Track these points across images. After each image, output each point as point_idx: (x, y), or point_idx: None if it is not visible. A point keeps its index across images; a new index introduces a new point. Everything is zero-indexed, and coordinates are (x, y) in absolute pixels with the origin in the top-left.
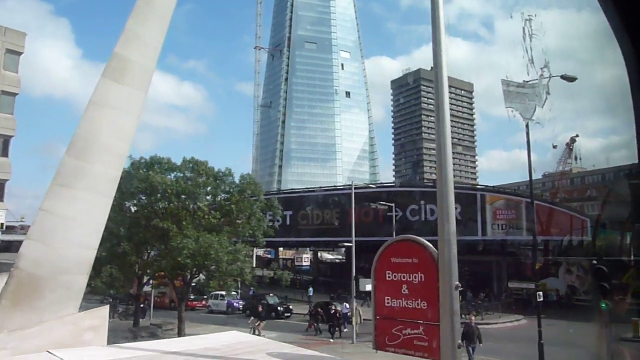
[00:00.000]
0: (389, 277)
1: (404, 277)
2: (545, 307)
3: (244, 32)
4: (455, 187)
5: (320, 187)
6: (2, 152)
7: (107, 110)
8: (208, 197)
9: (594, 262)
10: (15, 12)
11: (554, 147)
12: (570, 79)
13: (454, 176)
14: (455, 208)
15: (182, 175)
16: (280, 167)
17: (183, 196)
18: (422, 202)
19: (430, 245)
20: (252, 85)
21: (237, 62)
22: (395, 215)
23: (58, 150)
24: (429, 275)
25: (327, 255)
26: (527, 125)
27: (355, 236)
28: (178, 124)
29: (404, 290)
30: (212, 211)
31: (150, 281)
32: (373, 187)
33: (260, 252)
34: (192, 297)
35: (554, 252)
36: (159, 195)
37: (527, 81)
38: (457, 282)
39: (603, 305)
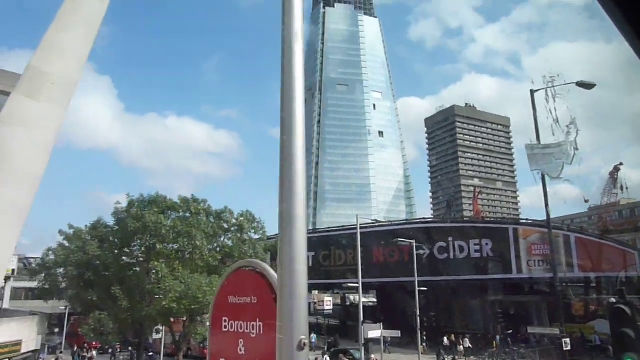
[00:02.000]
0: (225, 327)
1: (240, 327)
2: (587, 353)
3: (274, 78)
4: (484, 222)
5: (337, 227)
6: None
7: (19, 129)
8: (207, 237)
9: (612, 300)
10: None
11: (586, 201)
12: (588, 85)
13: (492, 212)
14: (486, 244)
15: (180, 214)
16: (315, 209)
17: (179, 237)
18: (450, 238)
19: (273, 275)
20: None
21: (269, 107)
22: (422, 254)
23: (100, 198)
24: (269, 324)
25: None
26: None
27: (381, 277)
28: (214, 169)
29: (240, 350)
30: (212, 252)
31: (161, 327)
32: (384, 223)
33: None
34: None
35: (608, 290)
36: (153, 235)
37: (551, 144)
38: (304, 337)
39: None
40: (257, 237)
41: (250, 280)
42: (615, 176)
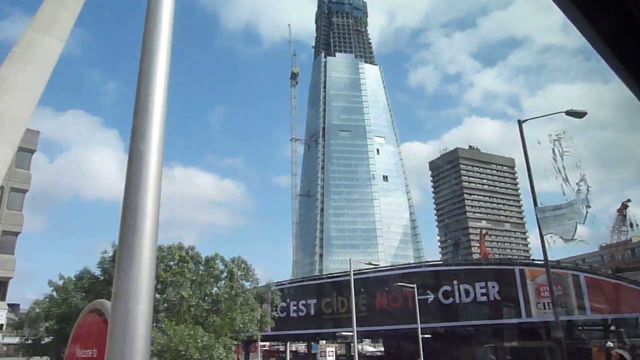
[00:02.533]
0: None
1: None
2: None
3: (276, 127)
4: (489, 263)
5: (337, 273)
6: (7, 249)
7: None
8: (194, 286)
9: (610, 344)
10: (69, 125)
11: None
12: (578, 114)
13: (502, 254)
14: (493, 287)
15: (170, 263)
16: (321, 255)
17: (165, 287)
18: (455, 282)
19: None
20: (289, 177)
21: (272, 156)
22: (426, 299)
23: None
24: None
25: (368, 348)
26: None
27: (385, 324)
28: (220, 218)
29: None
30: (199, 301)
31: None
32: (384, 268)
33: (266, 344)
34: None
35: (629, 334)
36: None
37: (561, 205)
38: None
39: None
40: (248, 284)
41: (95, 328)
42: (624, 213)
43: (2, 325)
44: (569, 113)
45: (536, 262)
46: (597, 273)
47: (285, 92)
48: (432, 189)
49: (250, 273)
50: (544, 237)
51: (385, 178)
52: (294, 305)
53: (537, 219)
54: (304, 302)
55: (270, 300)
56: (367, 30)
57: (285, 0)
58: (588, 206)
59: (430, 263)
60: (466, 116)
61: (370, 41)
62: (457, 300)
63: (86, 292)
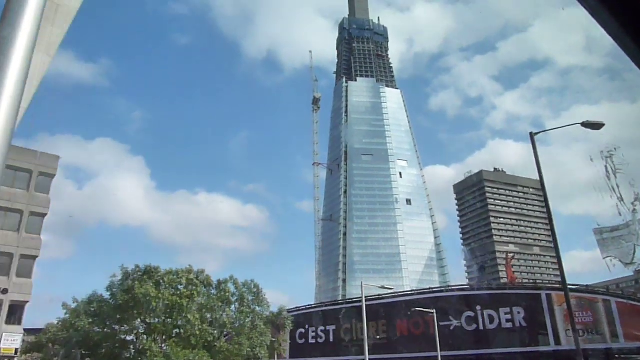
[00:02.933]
0: None
1: None
2: None
3: (298, 153)
4: (513, 287)
5: (351, 299)
6: (25, 273)
7: None
8: (203, 310)
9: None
10: (96, 153)
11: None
12: (595, 125)
13: (531, 280)
14: (518, 312)
15: (179, 287)
16: (344, 280)
17: (172, 311)
18: (479, 307)
19: None
20: (311, 202)
21: (294, 181)
22: (449, 325)
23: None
24: None
25: None
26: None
27: (406, 352)
28: (243, 243)
29: None
30: (204, 325)
31: None
32: (404, 292)
33: None
34: None
35: None
36: (147, 309)
37: (619, 226)
38: None
39: None
40: (259, 308)
41: None
42: None
43: (16, 349)
44: (585, 125)
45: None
46: (630, 298)
47: (307, 117)
48: (457, 212)
49: (261, 297)
50: (605, 259)
51: (408, 202)
52: (312, 332)
53: (597, 241)
54: (322, 328)
55: (282, 325)
56: (388, 55)
57: (305, 29)
58: None
59: (452, 287)
60: (489, 139)
61: (391, 65)
62: (481, 327)
63: (95, 316)
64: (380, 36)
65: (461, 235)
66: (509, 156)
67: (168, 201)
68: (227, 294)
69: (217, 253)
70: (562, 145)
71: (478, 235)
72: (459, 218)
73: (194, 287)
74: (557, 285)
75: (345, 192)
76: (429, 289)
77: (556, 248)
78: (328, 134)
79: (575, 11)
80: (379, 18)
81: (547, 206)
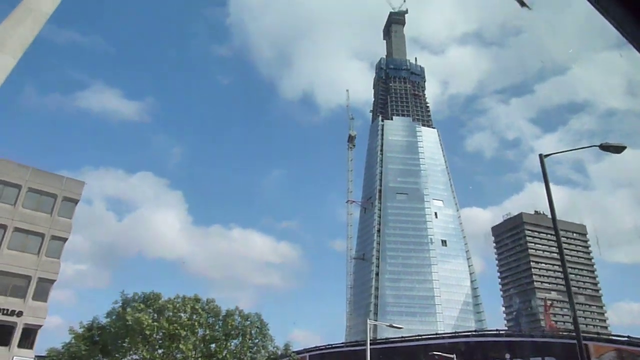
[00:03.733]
0: None
1: None
2: None
3: (332, 191)
4: (546, 335)
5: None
6: (41, 297)
7: None
8: (203, 341)
9: None
10: (137, 187)
11: None
12: (616, 148)
13: (568, 329)
14: None
15: (181, 315)
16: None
17: (169, 340)
18: (508, 355)
19: None
20: (344, 241)
21: (327, 219)
22: None
23: None
24: None
25: None
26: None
27: None
28: (275, 280)
29: None
30: (199, 358)
31: None
32: (428, 336)
33: None
34: None
35: None
36: (143, 337)
37: None
38: None
39: None
40: (268, 344)
41: None
42: None
43: None
44: (604, 147)
45: (604, 336)
46: None
47: (341, 157)
48: (496, 256)
49: (265, 331)
50: None
51: (444, 243)
52: None
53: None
54: None
55: None
56: (424, 95)
57: (341, 70)
58: None
59: (480, 332)
60: (527, 182)
61: (428, 105)
62: None
63: (93, 343)
64: (417, 76)
65: (499, 280)
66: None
67: (203, 235)
68: (231, 327)
69: (249, 289)
70: (606, 191)
71: (518, 281)
72: (497, 262)
73: (197, 317)
74: (596, 335)
75: (379, 230)
76: (455, 333)
77: (568, 289)
78: (362, 172)
79: (614, 54)
80: (416, 58)
81: (558, 238)
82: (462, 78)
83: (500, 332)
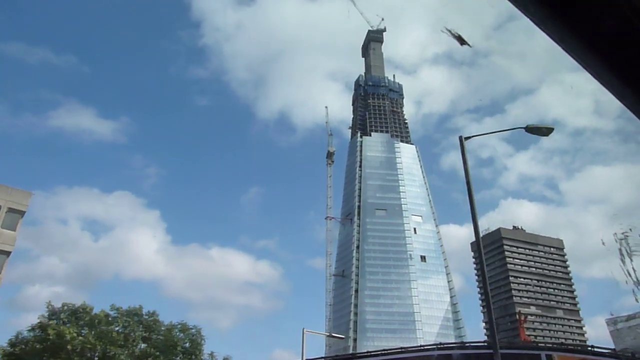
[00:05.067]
0: None
1: None
2: None
3: (310, 209)
4: (511, 347)
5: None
6: None
7: None
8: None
9: None
10: (113, 207)
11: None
12: (541, 130)
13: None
14: None
15: (116, 329)
16: (355, 340)
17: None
18: None
19: None
20: (323, 259)
21: (305, 238)
22: None
23: None
24: None
25: None
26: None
27: None
28: (255, 300)
29: None
30: None
31: None
32: (393, 350)
33: None
34: None
35: None
36: (62, 354)
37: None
38: None
39: None
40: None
41: None
42: None
43: None
44: (530, 129)
45: (569, 347)
46: None
47: (318, 176)
48: (475, 271)
49: (197, 343)
50: None
51: (423, 258)
52: None
53: (610, 333)
54: None
55: None
56: (403, 111)
57: (316, 91)
58: None
59: (442, 346)
60: (502, 199)
61: (406, 121)
62: None
63: None
64: (395, 92)
65: (479, 295)
66: (524, 215)
67: (181, 255)
68: (170, 342)
69: (229, 310)
70: (579, 207)
71: (497, 296)
72: (476, 277)
73: (131, 331)
74: (560, 346)
75: (358, 247)
76: (412, 347)
77: (485, 293)
78: (342, 189)
79: (581, 76)
80: (394, 75)
81: (475, 220)
82: (435, 97)
83: (466, 344)
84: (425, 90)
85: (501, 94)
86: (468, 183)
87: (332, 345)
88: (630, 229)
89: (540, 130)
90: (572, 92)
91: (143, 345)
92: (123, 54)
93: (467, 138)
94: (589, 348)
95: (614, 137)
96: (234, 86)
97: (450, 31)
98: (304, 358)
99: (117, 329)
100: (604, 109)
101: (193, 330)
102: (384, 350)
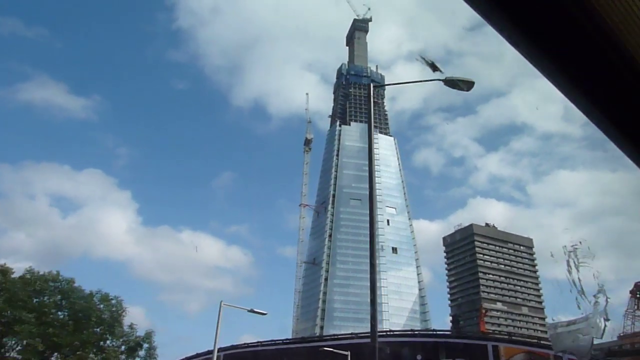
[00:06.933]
0: None
1: None
2: None
3: (282, 197)
4: (458, 336)
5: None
6: None
7: None
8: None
9: None
10: (84, 185)
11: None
12: (462, 83)
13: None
14: None
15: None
16: (322, 327)
17: None
18: (420, 357)
19: None
20: (294, 248)
21: (278, 226)
22: None
23: None
24: None
25: None
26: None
27: None
28: (226, 285)
29: None
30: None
31: None
32: (336, 336)
33: None
34: None
35: None
36: None
37: (576, 319)
38: None
39: None
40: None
41: None
42: (638, 295)
43: None
44: (448, 82)
45: (514, 338)
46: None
47: (291, 164)
48: (446, 265)
49: (117, 316)
50: None
51: (394, 250)
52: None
53: (550, 337)
54: None
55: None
56: (383, 102)
57: (292, 82)
58: (607, 319)
59: (391, 333)
60: (471, 197)
61: (386, 113)
62: None
63: None
64: (376, 83)
65: (448, 289)
66: (492, 215)
67: (152, 236)
68: (87, 311)
69: (199, 293)
70: (545, 210)
71: (466, 291)
72: (447, 271)
73: (48, 299)
74: (506, 337)
75: (330, 235)
76: (352, 334)
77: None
78: (317, 179)
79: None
80: (377, 66)
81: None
82: (409, 95)
83: (415, 332)
84: (400, 86)
85: (473, 95)
86: (370, 137)
87: (299, 332)
88: (580, 242)
89: (458, 84)
90: (542, 97)
91: (58, 313)
92: (97, 31)
93: (377, 87)
94: (535, 340)
95: (581, 142)
96: (208, 72)
97: (424, 59)
98: (218, 331)
99: (30, 290)
100: (572, 116)
101: (113, 301)
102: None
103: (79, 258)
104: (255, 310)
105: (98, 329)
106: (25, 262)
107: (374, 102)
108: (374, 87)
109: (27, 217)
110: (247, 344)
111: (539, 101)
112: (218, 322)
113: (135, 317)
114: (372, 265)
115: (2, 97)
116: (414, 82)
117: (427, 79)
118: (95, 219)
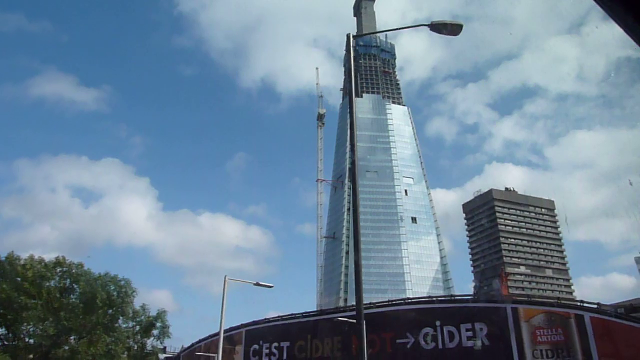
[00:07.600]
0: None
1: None
2: None
3: (297, 175)
4: (476, 300)
5: (305, 312)
6: None
7: None
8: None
9: None
10: (102, 175)
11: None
12: (450, 26)
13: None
14: (480, 329)
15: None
16: (345, 300)
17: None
18: (438, 322)
19: None
20: (312, 225)
21: (295, 204)
22: (405, 343)
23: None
24: None
25: None
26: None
27: None
28: (248, 265)
29: None
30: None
31: None
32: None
33: None
34: None
35: None
36: None
37: None
38: None
39: None
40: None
41: None
42: None
43: None
44: (434, 26)
45: (533, 299)
46: (607, 313)
47: (306, 141)
48: (467, 233)
49: (128, 298)
50: None
51: (414, 220)
52: (266, 349)
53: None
54: (276, 344)
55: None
56: (394, 72)
57: (298, 59)
58: None
59: (409, 300)
60: (487, 163)
61: (398, 82)
62: (440, 345)
63: None
64: (387, 53)
65: (470, 256)
66: (509, 180)
67: (173, 221)
68: (94, 295)
69: (222, 275)
70: (565, 172)
71: (488, 257)
72: (468, 238)
73: (46, 284)
74: (524, 298)
75: (349, 209)
76: (382, 302)
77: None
78: (332, 154)
79: (563, 41)
80: (386, 35)
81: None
82: (417, 64)
83: (433, 298)
84: (407, 56)
85: (483, 60)
86: (351, 88)
87: (323, 306)
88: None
89: (446, 27)
90: (554, 58)
91: (68, 296)
92: (100, 22)
93: (356, 37)
94: (554, 301)
95: (597, 101)
96: (214, 56)
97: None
98: (224, 304)
99: (29, 275)
100: (588, 74)
101: (122, 282)
102: (369, 303)
103: (103, 247)
104: (261, 283)
105: (110, 311)
106: (52, 254)
107: (384, 72)
108: (353, 37)
109: (50, 210)
110: (268, 319)
111: (551, 61)
112: (223, 297)
113: (163, 301)
114: (357, 250)
115: (15, 93)
116: (396, 29)
117: (413, 25)
118: (116, 207)
